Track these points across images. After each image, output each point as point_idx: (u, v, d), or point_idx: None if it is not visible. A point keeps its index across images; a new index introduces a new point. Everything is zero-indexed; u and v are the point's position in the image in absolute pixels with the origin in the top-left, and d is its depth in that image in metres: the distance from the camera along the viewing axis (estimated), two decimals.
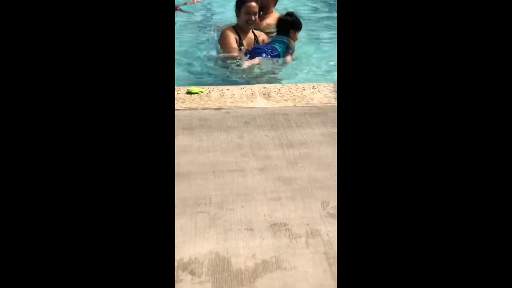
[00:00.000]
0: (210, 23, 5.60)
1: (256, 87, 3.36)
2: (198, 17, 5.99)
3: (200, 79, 4.00)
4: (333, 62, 4.27)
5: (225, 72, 4.10)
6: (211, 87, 3.33)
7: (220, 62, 4.22)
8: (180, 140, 2.54)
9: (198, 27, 5.52)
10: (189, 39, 4.85)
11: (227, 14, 5.80)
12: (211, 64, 4.25)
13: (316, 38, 5.01)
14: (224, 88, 3.33)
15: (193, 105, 3.03)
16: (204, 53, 4.44)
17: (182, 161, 2.32)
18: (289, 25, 4.36)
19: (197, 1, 6.33)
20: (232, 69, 4.11)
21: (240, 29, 4.31)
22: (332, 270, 1.62)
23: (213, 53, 4.36)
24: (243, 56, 4.19)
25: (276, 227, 1.85)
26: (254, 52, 4.22)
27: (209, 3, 6.61)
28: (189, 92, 3.19)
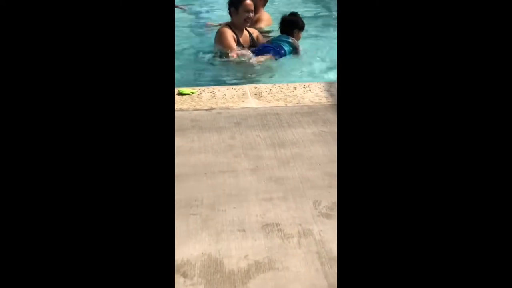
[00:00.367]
0: (202, 21, 5.60)
1: (248, 87, 3.36)
2: (189, 15, 5.99)
3: (195, 80, 3.98)
4: (328, 60, 4.29)
5: (223, 72, 4.09)
6: (202, 88, 3.32)
7: (217, 61, 4.22)
8: None
9: (189, 25, 5.51)
10: (180, 38, 4.83)
11: (217, 13, 5.81)
12: (206, 64, 4.24)
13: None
14: (215, 88, 3.33)
15: (184, 106, 3.03)
16: (200, 53, 4.43)
17: None
18: (294, 25, 4.42)
19: (186, 8, 6.33)
20: (235, 67, 4.11)
21: (236, 27, 4.33)
22: (325, 269, 1.62)
23: (207, 53, 4.36)
24: (249, 53, 4.22)
25: (269, 227, 1.85)
26: (262, 49, 4.28)
27: (200, 2, 6.61)
28: (180, 93, 3.18)
